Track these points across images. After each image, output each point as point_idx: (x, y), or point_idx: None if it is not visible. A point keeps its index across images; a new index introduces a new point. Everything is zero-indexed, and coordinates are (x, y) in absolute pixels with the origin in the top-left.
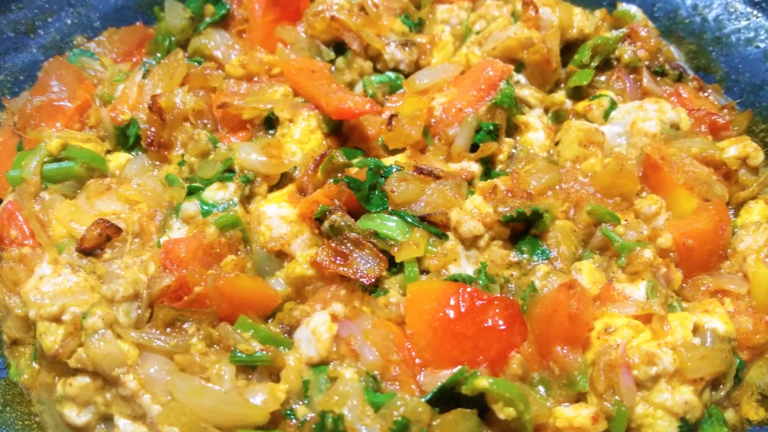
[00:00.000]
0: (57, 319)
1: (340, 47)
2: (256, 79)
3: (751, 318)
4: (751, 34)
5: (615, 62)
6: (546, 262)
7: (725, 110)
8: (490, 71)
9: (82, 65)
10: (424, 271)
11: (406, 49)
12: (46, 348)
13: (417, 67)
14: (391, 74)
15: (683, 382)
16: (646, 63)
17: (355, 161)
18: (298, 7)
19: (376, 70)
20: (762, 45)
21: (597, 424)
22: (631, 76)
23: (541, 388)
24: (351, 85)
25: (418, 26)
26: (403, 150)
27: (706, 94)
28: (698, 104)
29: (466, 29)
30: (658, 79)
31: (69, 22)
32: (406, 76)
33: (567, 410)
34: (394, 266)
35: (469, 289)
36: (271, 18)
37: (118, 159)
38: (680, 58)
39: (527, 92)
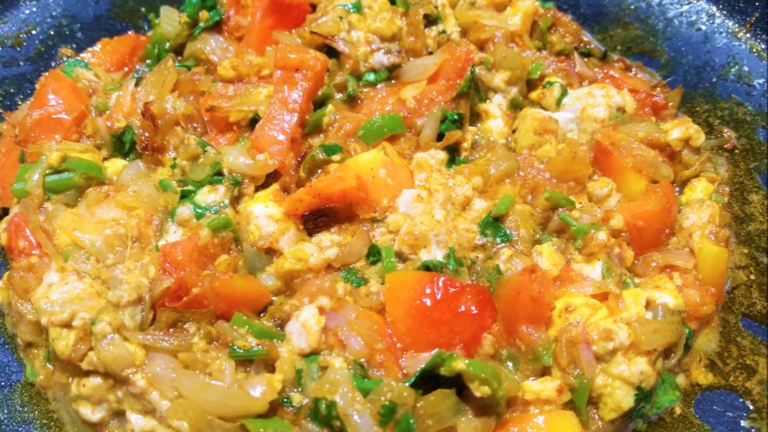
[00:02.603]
0: (67, 325)
1: (333, 49)
2: (245, 80)
3: (698, 290)
4: (693, 18)
5: (546, 51)
6: (507, 244)
7: (658, 88)
8: (455, 62)
9: (77, 76)
10: (399, 256)
11: (391, 55)
12: (59, 352)
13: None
14: (372, 76)
15: (638, 354)
16: (574, 46)
17: (335, 157)
18: (298, 13)
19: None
20: (703, 27)
21: (562, 395)
22: (564, 63)
23: (510, 364)
24: (342, 86)
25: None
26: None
27: (633, 73)
28: (631, 84)
29: None
30: (585, 60)
31: (52, 33)
32: (392, 69)
33: (534, 384)
34: (374, 256)
35: (442, 278)
36: (269, 23)
37: (115, 165)
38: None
39: (497, 78)
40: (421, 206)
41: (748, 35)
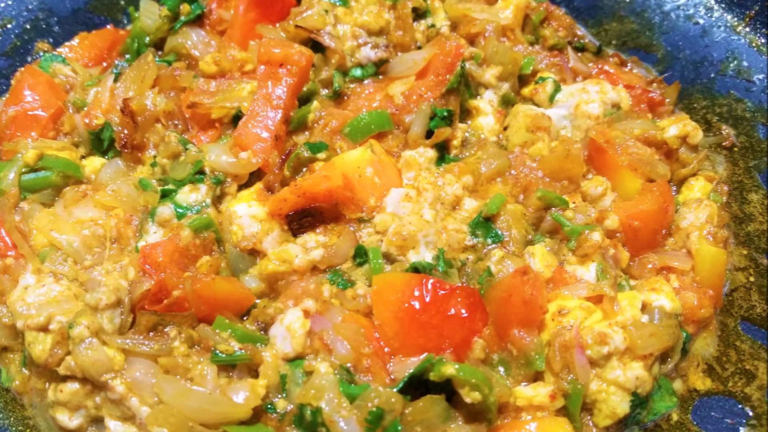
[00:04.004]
0: (44, 329)
1: (318, 44)
2: (228, 76)
3: (695, 293)
4: (691, 11)
5: (539, 46)
6: (499, 245)
7: (654, 84)
8: (445, 57)
9: (54, 71)
10: (386, 257)
11: (379, 50)
12: (36, 357)
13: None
14: (358, 71)
15: (634, 359)
16: (568, 40)
17: (320, 155)
18: (282, 6)
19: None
20: (701, 21)
21: (555, 401)
22: (557, 58)
23: (501, 369)
24: (328, 82)
25: None
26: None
27: (628, 68)
28: (626, 79)
29: None
30: (579, 55)
31: (28, 27)
32: (379, 64)
33: (526, 390)
34: (360, 258)
35: (432, 280)
36: (253, 17)
37: (93, 164)
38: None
39: (488, 73)
40: (410, 206)
41: (747, 29)
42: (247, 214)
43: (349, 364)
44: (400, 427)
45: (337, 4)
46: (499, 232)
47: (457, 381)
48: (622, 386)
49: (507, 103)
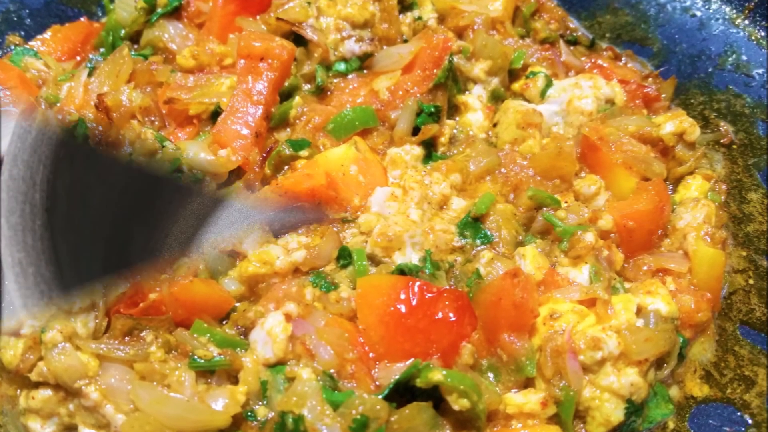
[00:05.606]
0: (15, 334)
1: (300, 37)
2: (206, 70)
3: (692, 296)
4: (688, 3)
5: (530, 39)
6: (488, 246)
7: (649, 79)
8: (432, 50)
9: (26, 65)
10: (371, 259)
11: (363, 43)
12: (7, 363)
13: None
14: (342, 65)
15: (628, 364)
16: (560, 33)
17: (302, 153)
18: None
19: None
20: (698, 14)
21: (546, 408)
22: (549, 52)
23: (491, 375)
24: (311, 76)
25: None
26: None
27: (623, 63)
28: (621, 74)
29: None
30: (572, 48)
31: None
32: (364, 58)
33: (517, 396)
34: (344, 259)
35: (418, 283)
36: (232, 9)
37: None
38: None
39: (477, 68)
40: (396, 205)
41: (746, 22)
42: None
43: (332, 370)
44: None
45: None
46: (489, 233)
47: (445, 387)
48: (616, 393)
49: (496, 98)
